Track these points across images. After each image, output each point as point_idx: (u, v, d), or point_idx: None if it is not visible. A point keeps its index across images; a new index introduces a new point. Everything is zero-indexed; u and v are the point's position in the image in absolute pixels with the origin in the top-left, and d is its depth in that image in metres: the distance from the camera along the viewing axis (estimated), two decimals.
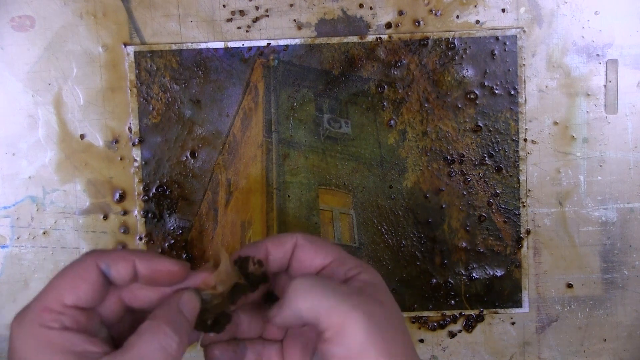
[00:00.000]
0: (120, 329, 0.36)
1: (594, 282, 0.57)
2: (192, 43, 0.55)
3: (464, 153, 0.56)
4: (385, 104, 0.55)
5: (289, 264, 0.39)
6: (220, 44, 0.55)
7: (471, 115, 0.55)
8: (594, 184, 0.56)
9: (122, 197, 0.56)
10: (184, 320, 0.34)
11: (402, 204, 0.56)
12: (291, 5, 0.55)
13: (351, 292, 0.35)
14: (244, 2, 0.55)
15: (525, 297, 0.57)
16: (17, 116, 0.55)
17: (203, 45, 0.55)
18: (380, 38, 0.55)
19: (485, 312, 0.57)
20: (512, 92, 0.55)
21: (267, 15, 0.55)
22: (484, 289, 0.57)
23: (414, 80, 0.55)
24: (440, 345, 0.58)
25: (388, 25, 0.55)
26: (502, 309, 0.57)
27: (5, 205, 0.56)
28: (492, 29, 0.55)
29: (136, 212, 0.56)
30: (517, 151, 0.56)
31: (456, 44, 0.55)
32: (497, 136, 0.56)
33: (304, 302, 0.35)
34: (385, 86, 0.55)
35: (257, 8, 0.55)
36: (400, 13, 0.55)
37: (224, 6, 0.55)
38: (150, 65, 0.55)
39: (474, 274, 0.57)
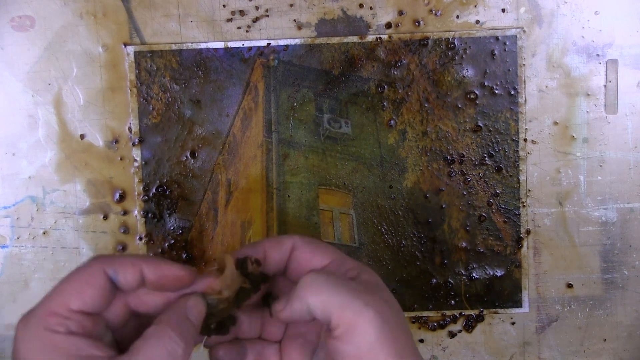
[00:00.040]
0: (125, 332, 0.36)
1: (594, 282, 0.57)
2: (192, 43, 0.55)
3: (464, 153, 0.56)
4: (385, 104, 0.55)
5: (287, 266, 0.39)
6: (220, 44, 0.55)
7: (471, 115, 0.55)
8: (594, 184, 0.56)
9: (122, 197, 0.56)
10: (190, 326, 0.34)
11: (402, 204, 0.56)
12: (291, 5, 0.55)
13: (363, 290, 0.35)
14: (244, 2, 0.55)
15: (525, 297, 0.57)
16: (17, 116, 0.55)
17: (203, 45, 0.55)
18: (380, 38, 0.55)
19: (485, 312, 0.57)
20: (512, 92, 0.55)
21: (267, 15, 0.55)
22: (484, 289, 0.57)
23: (414, 80, 0.55)
24: (440, 345, 0.58)
25: (388, 25, 0.55)
26: (502, 309, 0.57)
27: (5, 205, 0.56)
28: (492, 29, 0.55)
29: (136, 212, 0.56)
30: (517, 151, 0.56)
31: (456, 44, 0.55)
32: (497, 136, 0.56)
33: (315, 297, 0.35)
34: (385, 86, 0.55)
35: (257, 8, 0.55)
36: (400, 13, 0.55)
37: (224, 6, 0.55)
38: (150, 65, 0.55)
39: (474, 274, 0.57)
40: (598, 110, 0.55)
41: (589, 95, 0.55)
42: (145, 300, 0.36)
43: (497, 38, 0.55)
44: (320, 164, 0.56)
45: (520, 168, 0.56)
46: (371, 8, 0.55)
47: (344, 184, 0.56)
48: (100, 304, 0.34)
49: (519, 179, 0.56)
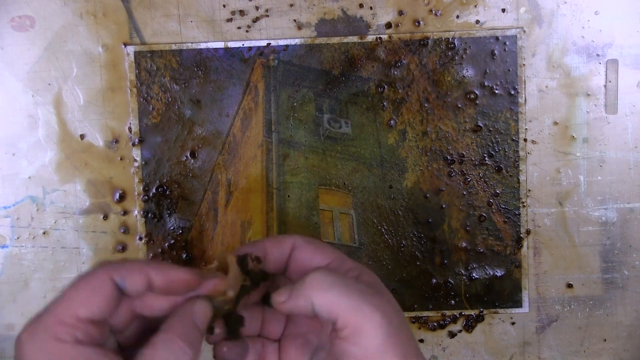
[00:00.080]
0: (127, 334, 0.36)
1: (594, 282, 0.57)
2: (192, 43, 0.55)
3: (464, 153, 0.56)
4: (385, 104, 0.55)
5: (287, 265, 0.39)
6: (220, 44, 0.55)
7: (471, 115, 0.55)
8: (594, 184, 0.56)
9: (122, 197, 0.56)
10: (197, 333, 0.34)
11: (402, 204, 0.56)
12: (291, 5, 0.55)
13: (369, 292, 0.35)
14: (244, 2, 0.55)
15: (525, 297, 0.57)
16: (17, 116, 0.55)
17: (203, 45, 0.55)
18: (380, 38, 0.55)
19: (485, 312, 0.57)
20: (512, 92, 0.55)
21: (267, 15, 0.55)
22: (484, 289, 0.57)
23: (414, 80, 0.55)
24: (440, 345, 0.58)
25: (388, 25, 0.55)
26: (502, 309, 0.57)
27: (5, 205, 0.56)
28: (492, 29, 0.55)
29: (136, 212, 0.56)
30: (517, 151, 0.56)
31: (456, 44, 0.55)
32: (497, 136, 0.56)
33: (322, 297, 0.35)
34: (385, 86, 0.55)
35: (257, 8, 0.55)
36: (400, 13, 0.55)
37: (224, 6, 0.55)
38: (150, 65, 0.55)
39: (474, 274, 0.57)
40: (598, 110, 0.55)
41: (589, 95, 0.55)
42: (151, 304, 0.35)
43: (497, 38, 0.55)
44: (320, 164, 0.56)
45: (520, 168, 0.56)
46: (371, 8, 0.55)
47: (344, 184, 0.56)
48: (107, 311, 0.33)
49: (519, 179, 0.56)
